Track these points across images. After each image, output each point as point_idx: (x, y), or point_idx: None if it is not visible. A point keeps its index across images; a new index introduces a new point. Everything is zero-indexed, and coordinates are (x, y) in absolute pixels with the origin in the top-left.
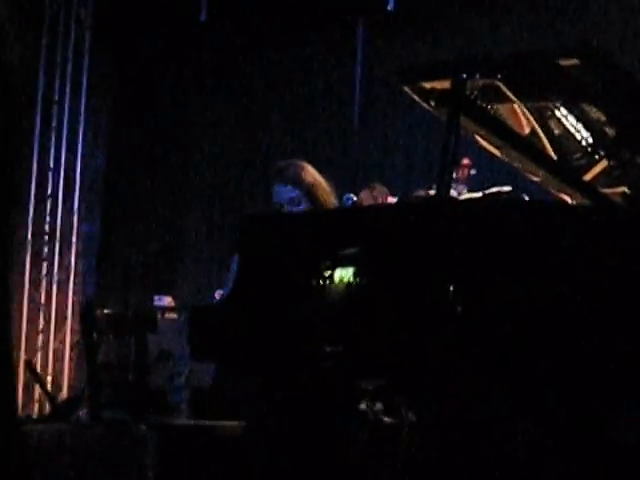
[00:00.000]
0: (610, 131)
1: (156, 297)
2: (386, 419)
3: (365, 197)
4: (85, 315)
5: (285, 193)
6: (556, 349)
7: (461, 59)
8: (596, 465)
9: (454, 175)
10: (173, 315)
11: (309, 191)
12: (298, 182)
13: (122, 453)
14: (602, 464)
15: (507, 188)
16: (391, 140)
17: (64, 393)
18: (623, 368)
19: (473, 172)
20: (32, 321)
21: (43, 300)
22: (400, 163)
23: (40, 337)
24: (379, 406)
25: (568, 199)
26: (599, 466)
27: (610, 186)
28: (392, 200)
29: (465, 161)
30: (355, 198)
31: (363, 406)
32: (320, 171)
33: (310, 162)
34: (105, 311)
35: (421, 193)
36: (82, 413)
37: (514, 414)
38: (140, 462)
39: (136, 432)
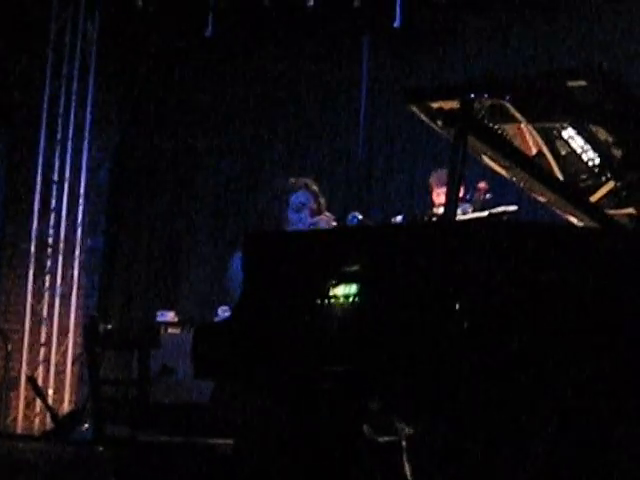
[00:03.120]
0: (617, 152)
1: (159, 312)
2: (382, 438)
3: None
4: (88, 330)
5: (306, 198)
6: (562, 366)
7: (469, 79)
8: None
9: (469, 197)
10: (176, 330)
11: (320, 210)
12: (317, 198)
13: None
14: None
15: (513, 208)
16: (396, 157)
17: (65, 407)
18: (627, 386)
19: (489, 196)
20: (34, 334)
21: (45, 313)
22: (405, 180)
23: (42, 350)
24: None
25: (574, 220)
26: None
27: (617, 207)
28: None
29: (482, 185)
30: (360, 217)
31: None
32: (324, 188)
33: (314, 179)
34: (108, 326)
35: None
36: (84, 428)
37: (520, 427)
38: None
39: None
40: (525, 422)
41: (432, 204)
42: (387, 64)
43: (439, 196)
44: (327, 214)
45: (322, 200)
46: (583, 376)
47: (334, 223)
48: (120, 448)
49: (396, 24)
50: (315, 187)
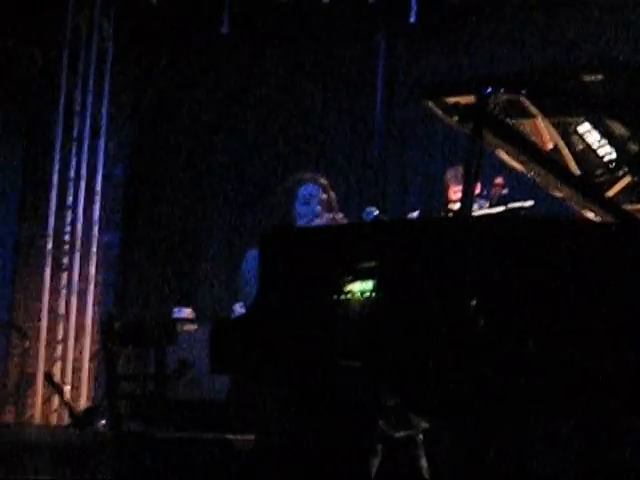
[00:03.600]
0: (633, 147)
1: (175, 309)
2: (399, 433)
3: None
4: (105, 327)
5: (316, 191)
6: (580, 362)
7: (485, 74)
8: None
9: (485, 193)
10: (192, 327)
11: (330, 203)
12: (327, 190)
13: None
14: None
15: (529, 203)
16: (412, 154)
17: (83, 403)
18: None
19: (506, 191)
20: (52, 331)
21: (63, 310)
22: (420, 176)
23: (60, 347)
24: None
25: (591, 215)
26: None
27: (634, 202)
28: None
29: (498, 180)
30: (377, 212)
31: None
32: (340, 184)
33: (330, 175)
34: (124, 323)
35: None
36: (101, 424)
37: (533, 424)
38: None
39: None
40: (538, 419)
41: (447, 201)
42: (403, 60)
43: (455, 193)
44: (339, 215)
45: (332, 194)
46: (602, 374)
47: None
48: (137, 444)
49: (412, 20)
50: (323, 180)
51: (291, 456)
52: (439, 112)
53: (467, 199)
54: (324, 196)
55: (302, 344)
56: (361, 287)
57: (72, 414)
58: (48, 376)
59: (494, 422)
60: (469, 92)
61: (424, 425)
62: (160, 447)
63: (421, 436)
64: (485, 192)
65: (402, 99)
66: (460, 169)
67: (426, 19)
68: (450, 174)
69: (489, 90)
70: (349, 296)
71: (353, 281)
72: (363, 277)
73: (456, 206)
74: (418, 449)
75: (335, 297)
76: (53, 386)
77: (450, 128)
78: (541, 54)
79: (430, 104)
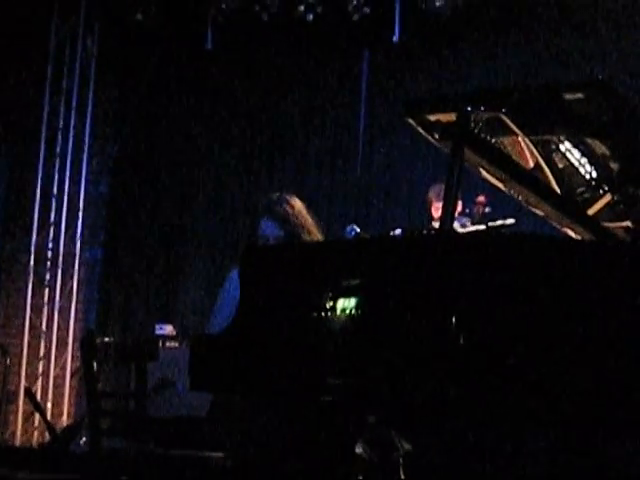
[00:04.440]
0: (614, 165)
1: (157, 325)
2: (380, 455)
3: None
4: (85, 343)
5: (272, 229)
6: (558, 379)
7: (466, 92)
8: None
9: (468, 212)
10: (174, 344)
11: (294, 233)
12: (287, 222)
13: None
14: None
15: (510, 221)
16: (394, 171)
17: (64, 420)
18: (624, 401)
19: (488, 210)
20: (33, 347)
21: (44, 326)
22: (403, 194)
23: (41, 364)
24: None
25: (572, 233)
26: None
27: (613, 220)
28: None
29: (480, 199)
30: (358, 230)
31: (358, 449)
32: (324, 202)
33: (313, 192)
34: (105, 339)
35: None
36: (81, 441)
37: (518, 440)
38: None
39: None
40: (523, 435)
41: (431, 218)
42: (386, 78)
43: (438, 210)
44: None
45: (302, 217)
46: (580, 387)
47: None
48: (117, 461)
49: (395, 38)
50: (295, 220)
51: (271, 473)
52: (420, 129)
53: (447, 216)
54: (281, 233)
55: (281, 361)
56: (342, 304)
57: (51, 430)
58: (29, 393)
59: (477, 438)
60: (449, 109)
61: (406, 448)
62: (139, 464)
63: (402, 460)
64: (467, 210)
65: (385, 116)
66: (442, 186)
67: (409, 37)
68: (433, 192)
69: (469, 108)
70: (330, 313)
71: (334, 298)
72: (344, 294)
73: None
74: (399, 472)
75: (315, 314)
76: (33, 402)
77: (434, 146)
78: (523, 72)
79: (410, 121)
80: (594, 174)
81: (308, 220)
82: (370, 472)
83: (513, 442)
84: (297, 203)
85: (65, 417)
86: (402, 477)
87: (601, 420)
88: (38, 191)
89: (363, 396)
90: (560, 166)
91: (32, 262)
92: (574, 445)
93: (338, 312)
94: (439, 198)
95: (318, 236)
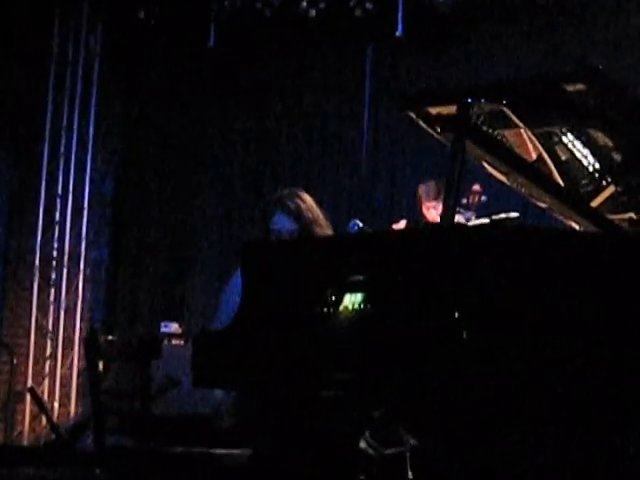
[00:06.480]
0: (617, 157)
1: (163, 324)
2: (387, 451)
3: None
4: (88, 342)
5: (286, 223)
6: (564, 375)
7: (467, 84)
8: None
9: (465, 201)
10: (180, 342)
11: (307, 227)
12: (299, 216)
13: None
14: None
15: (514, 214)
16: (400, 165)
17: (71, 419)
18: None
19: (484, 199)
20: (39, 347)
21: (51, 326)
22: (409, 190)
23: (47, 364)
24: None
25: (575, 225)
26: None
27: (617, 212)
28: None
29: (476, 187)
30: (361, 224)
31: (362, 444)
32: (329, 196)
33: (318, 188)
34: (110, 337)
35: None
36: (87, 440)
37: (520, 439)
38: None
39: None
40: (527, 432)
41: (422, 216)
42: (390, 72)
43: (428, 209)
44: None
45: (314, 211)
46: (586, 384)
47: None
48: (121, 459)
49: (398, 33)
50: (308, 213)
51: (276, 472)
52: (421, 123)
53: (449, 209)
54: (295, 227)
55: (285, 357)
56: (345, 299)
57: (55, 429)
58: (32, 390)
59: (481, 433)
60: (450, 102)
61: (413, 442)
62: (145, 462)
63: (408, 454)
64: (464, 201)
65: (390, 110)
66: (431, 184)
67: (413, 31)
68: (421, 190)
69: (469, 100)
70: (333, 308)
71: (337, 293)
72: (347, 289)
73: (436, 219)
74: (406, 467)
75: (318, 309)
76: (36, 400)
77: (438, 140)
78: (527, 65)
79: (411, 114)
80: (597, 165)
81: (319, 214)
82: (375, 468)
83: (518, 438)
84: (307, 197)
85: (72, 416)
86: (409, 473)
87: (608, 415)
88: (43, 191)
89: (368, 391)
90: (563, 158)
91: (37, 262)
92: (577, 442)
93: (341, 308)
94: (428, 197)
95: (328, 230)
